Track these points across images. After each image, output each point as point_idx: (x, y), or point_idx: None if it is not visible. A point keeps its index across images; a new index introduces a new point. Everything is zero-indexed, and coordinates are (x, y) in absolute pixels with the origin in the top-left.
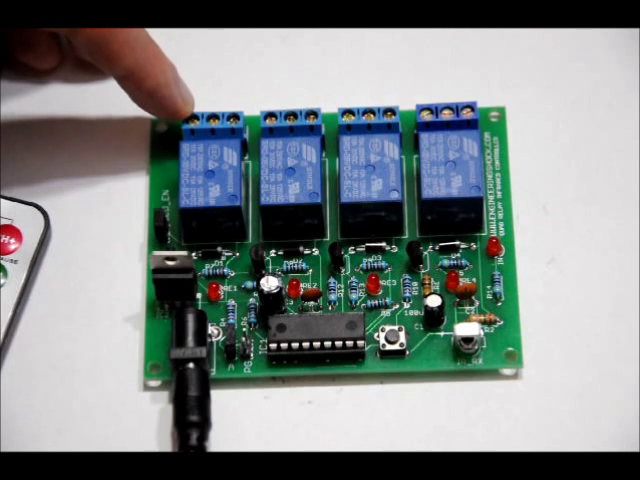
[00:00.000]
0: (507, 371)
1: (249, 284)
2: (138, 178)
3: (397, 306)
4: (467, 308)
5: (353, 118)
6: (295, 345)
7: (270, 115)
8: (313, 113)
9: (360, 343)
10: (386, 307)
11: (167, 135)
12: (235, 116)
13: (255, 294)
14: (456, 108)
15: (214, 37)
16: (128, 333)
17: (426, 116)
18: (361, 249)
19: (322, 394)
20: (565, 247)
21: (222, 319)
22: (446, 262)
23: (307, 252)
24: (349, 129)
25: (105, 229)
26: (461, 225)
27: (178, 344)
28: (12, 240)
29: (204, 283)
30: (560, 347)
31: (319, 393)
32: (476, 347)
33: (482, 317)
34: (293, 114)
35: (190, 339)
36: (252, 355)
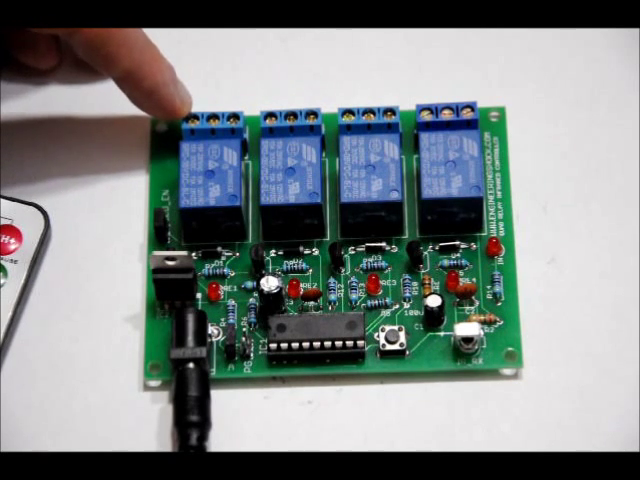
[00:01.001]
0: (507, 371)
1: (249, 284)
2: (138, 178)
3: (397, 306)
4: (467, 308)
5: (353, 118)
6: (295, 345)
7: (270, 115)
8: (313, 113)
9: (360, 343)
10: (386, 307)
11: (167, 135)
12: (235, 116)
13: (255, 294)
14: (456, 108)
15: (214, 37)
16: (128, 333)
17: (426, 116)
18: (361, 249)
19: (322, 394)
20: (565, 247)
21: (222, 319)
22: (446, 262)
23: (307, 252)
24: (349, 129)
25: (105, 229)
26: (461, 225)
27: (178, 344)
28: (12, 240)
29: (204, 283)
30: (560, 347)
31: (319, 393)
32: (476, 347)
33: (482, 317)
34: (293, 114)
35: (190, 339)
36: (252, 355)
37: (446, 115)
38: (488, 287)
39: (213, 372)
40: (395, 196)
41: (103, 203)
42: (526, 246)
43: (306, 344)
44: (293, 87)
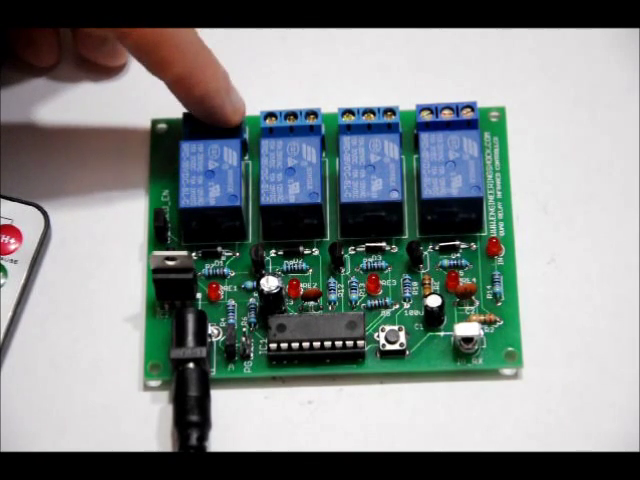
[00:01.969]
0: (507, 371)
1: (249, 284)
2: (138, 178)
3: (397, 306)
4: (467, 308)
5: (353, 118)
6: (295, 345)
7: (270, 115)
8: (313, 113)
9: (360, 343)
10: (386, 307)
11: (167, 135)
12: None
13: (255, 294)
14: (456, 108)
15: (214, 37)
16: (128, 333)
17: (426, 116)
18: (361, 249)
19: (322, 394)
20: (565, 247)
21: (222, 319)
22: (446, 262)
23: (307, 252)
24: (349, 129)
25: (105, 229)
26: (461, 225)
27: (178, 344)
28: (12, 240)
29: (204, 283)
30: (560, 347)
31: (319, 393)
32: (476, 347)
33: (482, 317)
34: (293, 114)
35: (190, 339)
36: (252, 355)
37: (446, 115)
38: (488, 287)
39: (213, 372)
40: (395, 196)
41: (103, 203)
42: (526, 246)
43: (306, 344)
44: (293, 87)
